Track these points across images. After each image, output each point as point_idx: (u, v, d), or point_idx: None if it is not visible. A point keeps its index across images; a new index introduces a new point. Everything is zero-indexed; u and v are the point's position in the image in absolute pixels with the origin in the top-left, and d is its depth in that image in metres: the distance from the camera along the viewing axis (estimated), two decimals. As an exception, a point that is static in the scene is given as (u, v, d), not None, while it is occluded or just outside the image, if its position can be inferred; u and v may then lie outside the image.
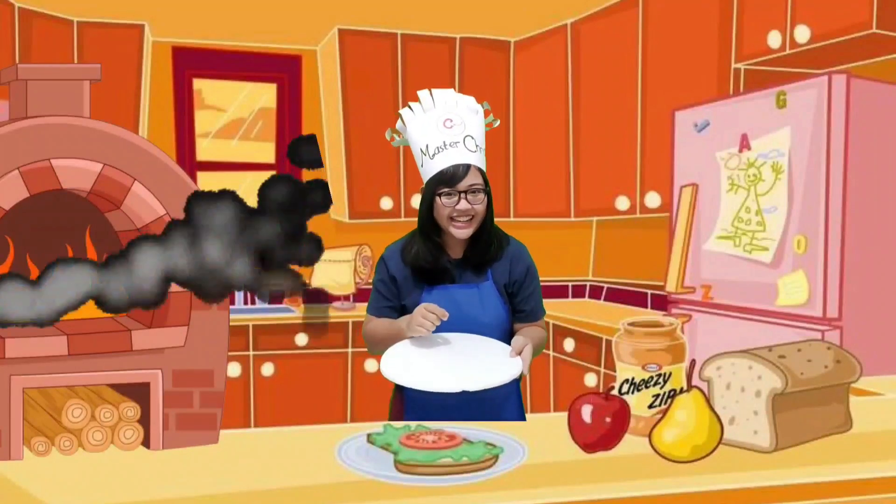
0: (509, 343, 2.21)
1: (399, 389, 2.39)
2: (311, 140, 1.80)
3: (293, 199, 1.72)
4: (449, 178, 2.25)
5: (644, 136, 4.32)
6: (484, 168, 2.30)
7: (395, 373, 2.12)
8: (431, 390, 2.08)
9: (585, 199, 4.87)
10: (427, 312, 2.17)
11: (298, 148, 1.78)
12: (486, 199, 2.28)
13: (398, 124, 2.35)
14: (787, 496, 1.53)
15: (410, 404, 2.34)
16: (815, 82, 2.91)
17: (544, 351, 4.68)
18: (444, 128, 2.26)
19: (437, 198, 2.27)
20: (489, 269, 2.37)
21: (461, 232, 2.29)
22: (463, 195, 2.25)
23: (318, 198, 1.76)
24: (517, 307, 2.39)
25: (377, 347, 2.36)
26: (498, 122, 2.41)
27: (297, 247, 1.73)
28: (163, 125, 5.08)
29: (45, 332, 1.65)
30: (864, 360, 1.87)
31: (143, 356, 1.74)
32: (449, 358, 2.19)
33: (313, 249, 1.76)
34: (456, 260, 2.37)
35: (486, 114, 2.34)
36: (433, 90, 2.31)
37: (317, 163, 1.79)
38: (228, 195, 1.68)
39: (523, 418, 2.41)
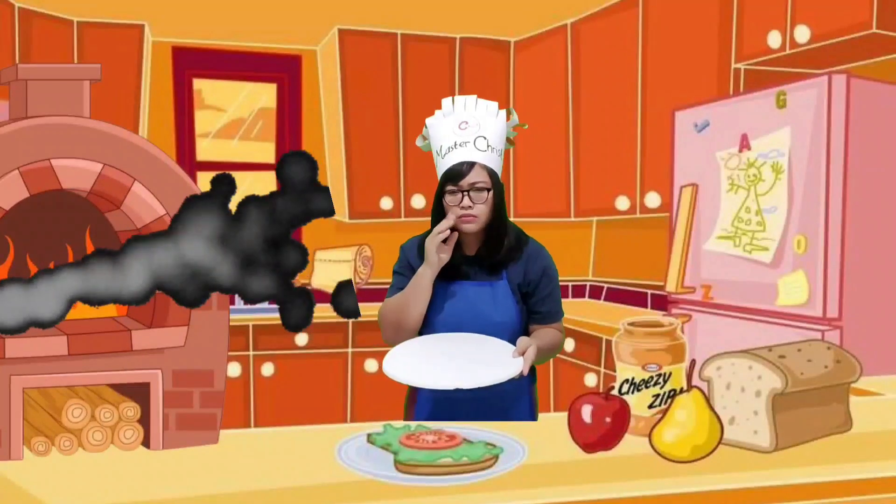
0: None
1: (413, 387, 2.40)
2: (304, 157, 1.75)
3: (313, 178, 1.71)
4: (453, 176, 2.31)
5: (644, 136, 4.32)
6: (495, 168, 2.34)
7: (394, 370, 2.14)
8: (427, 387, 2.12)
9: (585, 199, 4.87)
10: (433, 236, 2.28)
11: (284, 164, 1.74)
12: (491, 197, 2.32)
13: (424, 130, 2.43)
14: (787, 496, 1.53)
15: (422, 401, 2.37)
16: (815, 82, 2.91)
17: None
18: (458, 129, 2.33)
19: (444, 195, 2.33)
20: (504, 269, 2.38)
21: (466, 227, 2.32)
22: (466, 193, 2.30)
23: (324, 204, 1.75)
24: (533, 308, 2.40)
25: (392, 317, 2.37)
26: (527, 126, 2.44)
27: (282, 254, 1.71)
28: (163, 125, 5.08)
29: (45, 332, 1.65)
30: (864, 360, 1.87)
31: (143, 356, 1.74)
32: (449, 356, 2.21)
33: (299, 257, 1.73)
34: (470, 257, 2.39)
35: (509, 116, 2.38)
36: (457, 97, 2.38)
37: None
38: (214, 199, 1.66)
39: (535, 418, 2.41)
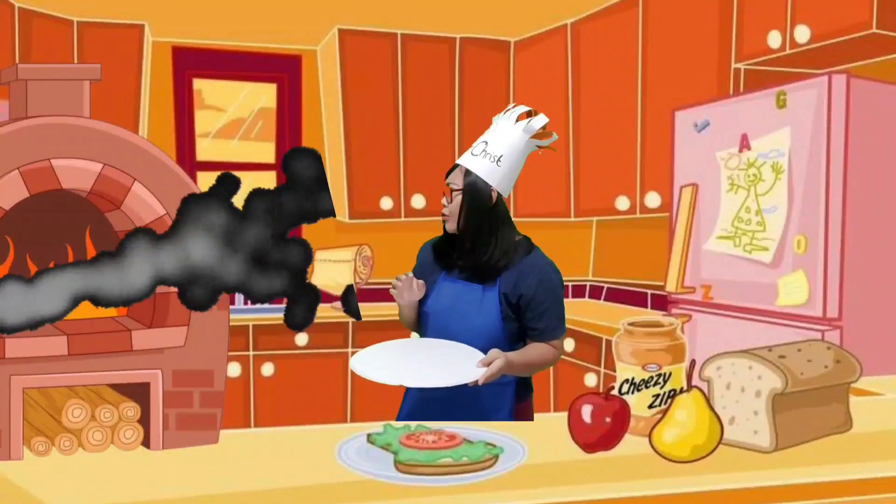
0: None
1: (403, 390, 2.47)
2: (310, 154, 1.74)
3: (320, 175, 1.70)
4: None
5: (644, 136, 4.33)
6: (481, 173, 2.35)
7: (354, 363, 2.19)
8: (372, 380, 2.15)
9: (585, 199, 4.87)
10: (395, 281, 2.42)
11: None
12: (460, 201, 2.36)
13: None
14: (787, 496, 1.53)
15: (408, 398, 2.44)
16: (815, 82, 2.91)
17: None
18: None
19: None
20: (494, 276, 2.36)
21: (446, 226, 2.42)
22: (446, 193, 2.40)
23: (329, 203, 1.74)
24: (528, 324, 2.34)
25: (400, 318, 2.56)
26: (556, 136, 2.41)
27: (288, 250, 1.70)
28: (163, 125, 5.08)
29: (45, 332, 1.65)
30: (864, 360, 1.87)
31: (143, 356, 1.74)
32: (412, 358, 2.28)
33: (304, 253, 1.72)
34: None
35: (543, 136, 2.35)
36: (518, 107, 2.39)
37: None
38: (218, 196, 1.66)
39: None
